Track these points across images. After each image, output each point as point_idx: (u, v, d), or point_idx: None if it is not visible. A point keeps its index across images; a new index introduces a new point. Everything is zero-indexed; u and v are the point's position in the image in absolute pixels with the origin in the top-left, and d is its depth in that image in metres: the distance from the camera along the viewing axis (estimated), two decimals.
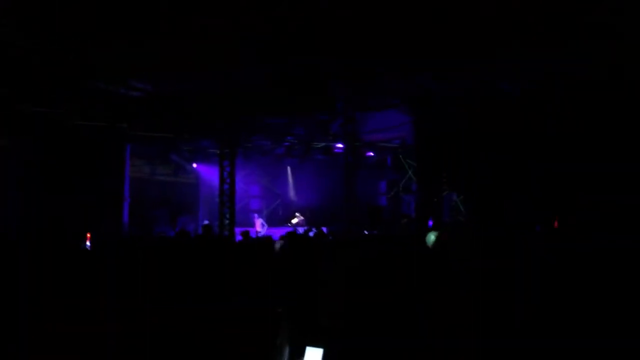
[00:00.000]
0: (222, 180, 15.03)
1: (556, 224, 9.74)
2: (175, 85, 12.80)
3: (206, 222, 18.59)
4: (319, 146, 17.30)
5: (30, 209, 12.76)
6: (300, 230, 16.68)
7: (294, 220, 19.41)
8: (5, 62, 10.53)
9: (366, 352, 3.26)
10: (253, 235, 14.47)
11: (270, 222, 20.83)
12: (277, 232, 17.17)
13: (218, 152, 15.69)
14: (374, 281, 4.14)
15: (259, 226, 18.26)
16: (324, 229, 16.51)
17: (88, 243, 9.08)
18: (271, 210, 21.63)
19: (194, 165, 19.39)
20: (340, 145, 16.56)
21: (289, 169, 20.50)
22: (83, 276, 4.11)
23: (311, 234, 16.93)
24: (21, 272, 4.17)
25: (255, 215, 19.59)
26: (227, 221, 15.18)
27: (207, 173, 19.72)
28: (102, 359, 3.25)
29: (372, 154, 18.20)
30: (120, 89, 12.63)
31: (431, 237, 5.70)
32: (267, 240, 8.56)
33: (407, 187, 18.31)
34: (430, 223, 12.69)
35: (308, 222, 18.44)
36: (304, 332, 3.30)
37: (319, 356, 3.18)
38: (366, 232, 14.08)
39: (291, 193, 21.00)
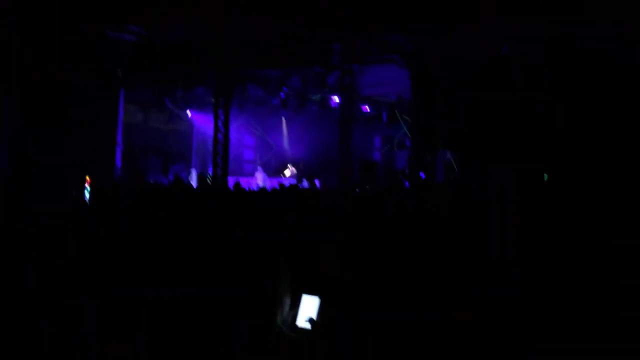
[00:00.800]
0: (216, 129, 14.93)
1: None
2: (171, 31, 12.57)
3: (193, 171, 18.55)
4: (315, 98, 17.16)
5: (22, 154, 12.68)
6: (293, 182, 16.71)
7: (287, 172, 19.41)
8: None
9: (362, 300, 3.32)
10: (245, 186, 14.46)
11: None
12: (270, 184, 17.22)
13: (213, 100, 15.55)
14: (369, 234, 4.18)
15: (260, 180, 18.14)
16: (317, 182, 16.56)
17: (88, 187, 8.99)
18: (264, 161, 21.60)
19: (188, 112, 19.22)
20: (336, 99, 16.42)
21: (283, 120, 20.38)
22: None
23: (304, 185, 17.01)
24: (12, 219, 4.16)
25: (259, 167, 19.40)
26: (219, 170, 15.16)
27: (201, 121, 19.58)
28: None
29: (367, 108, 18.07)
30: (114, 33, 12.40)
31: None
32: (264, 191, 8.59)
33: (401, 143, 18.29)
34: (422, 175, 12.76)
35: (301, 174, 18.46)
36: (301, 281, 3.37)
37: (315, 304, 3.28)
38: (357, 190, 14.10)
39: (285, 144, 20.94)
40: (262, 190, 8.69)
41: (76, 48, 12.45)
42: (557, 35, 9.95)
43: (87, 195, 8.64)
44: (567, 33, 9.83)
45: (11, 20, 10.72)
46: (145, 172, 16.08)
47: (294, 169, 19.40)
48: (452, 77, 12.22)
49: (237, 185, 12.41)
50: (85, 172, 9.63)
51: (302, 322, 3.34)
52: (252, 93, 17.10)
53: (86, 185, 8.97)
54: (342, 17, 10.91)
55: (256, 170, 19.09)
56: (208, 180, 13.95)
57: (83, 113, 13.59)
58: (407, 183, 14.37)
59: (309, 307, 3.37)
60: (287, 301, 3.38)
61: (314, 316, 3.33)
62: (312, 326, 3.30)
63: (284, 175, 19.12)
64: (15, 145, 12.59)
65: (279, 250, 3.64)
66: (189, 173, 19.06)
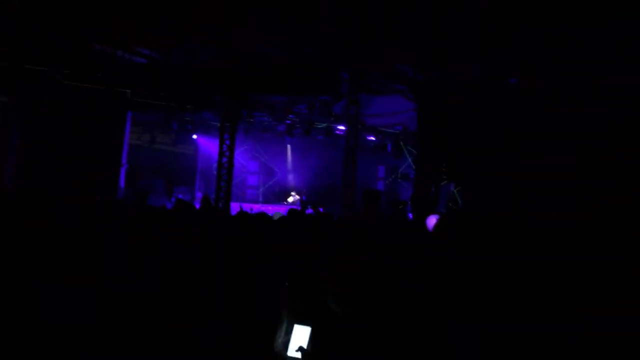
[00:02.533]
0: (221, 153, 14.97)
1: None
2: (181, 55, 12.70)
3: (199, 194, 18.60)
4: (321, 126, 17.25)
5: (28, 169, 12.73)
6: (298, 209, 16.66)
7: (290, 199, 19.43)
8: (11, 19, 10.43)
9: (355, 332, 3.28)
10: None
11: (266, 199, 20.86)
12: (273, 210, 17.21)
13: (219, 125, 15.63)
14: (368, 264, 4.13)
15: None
16: (321, 209, 16.52)
17: None
18: (267, 187, 21.64)
19: (194, 136, 19.33)
20: (341, 127, 16.50)
21: (288, 147, 20.46)
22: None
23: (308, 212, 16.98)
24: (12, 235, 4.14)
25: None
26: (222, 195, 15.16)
27: (207, 145, 19.67)
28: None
29: (373, 138, 18.16)
30: (125, 54, 12.54)
31: (432, 220, 5.90)
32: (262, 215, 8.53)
33: (405, 173, 18.32)
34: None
35: (304, 201, 18.47)
36: (298, 309, 3.35)
37: (306, 334, 3.28)
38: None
39: (289, 172, 20.99)
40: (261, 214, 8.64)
41: (86, 67, 12.59)
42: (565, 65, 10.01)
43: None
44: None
45: (20, 37, 10.87)
46: (147, 193, 16.08)
47: (297, 196, 19.41)
48: (459, 110, 12.27)
49: (241, 210, 12.38)
50: (86, 191, 9.68)
51: (293, 351, 3.33)
52: (258, 119, 17.21)
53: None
54: (351, 46, 11.02)
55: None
56: (211, 203, 13.92)
57: (90, 132, 13.68)
58: (410, 214, 14.33)
59: (300, 337, 3.37)
60: (284, 327, 3.36)
61: (305, 345, 3.32)
62: (302, 355, 3.29)
63: (287, 202, 19.14)
64: (21, 160, 12.64)
65: (282, 275, 3.62)
66: (193, 195, 19.09)
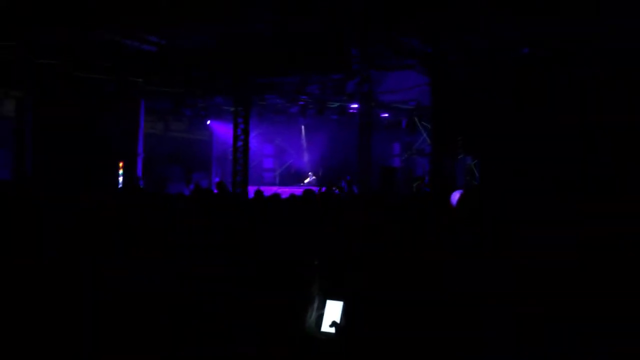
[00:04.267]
0: (235, 137, 14.99)
1: None
2: (189, 40, 12.68)
3: (217, 179, 18.69)
4: (334, 106, 17.16)
5: (44, 161, 12.88)
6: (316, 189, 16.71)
7: (307, 180, 19.45)
8: (21, 13, 10.47)
9: (385, 305, 3.29)
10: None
11: (282, 181, 20.90)
12: (290, 192, 17.23)
13: (232, 109, 15.61)
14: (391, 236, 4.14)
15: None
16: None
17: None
18: (284, 169, 21.66)
19: (208, 122, 19.34)
20: (355, 106, 16.41)
21: (302, 128, 20.42)
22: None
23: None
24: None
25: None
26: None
27: (221, 130, 19.69)
28: None
29: (386, 115, 18.03)
30: (135, 43, 12.54)
31: (456, 195, 5.87)
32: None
33: (421, 149, 18.21)
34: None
35: (320, 182, 18.48)
36: (329, 285, 3.39)
37: (339, 309, 3.31)
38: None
39: (304, 153, 20.98)
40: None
41: (98, 58, 12.63)
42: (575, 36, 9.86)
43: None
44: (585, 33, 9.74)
45: (34, 31, 10.91)
46: (165, 181, 16.18)
47: (314, 176, 19.43)
48: (472, 82, 12.13)
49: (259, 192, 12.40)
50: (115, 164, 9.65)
51: (326, 327, 3.37)
52: (270, 101, 17.16)
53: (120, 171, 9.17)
54: (359, 22, 10.92)
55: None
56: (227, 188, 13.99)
57: (104, 122, 13.76)
58: (427, 189, 14.27)
59: (333, 312, 3.40)
60: (315, 303, 3.40)
61: (338, 320, 3.35)
62: (335, 329, 3.32)
63: (304, 183, 19.17)
64: (38, 154, 12.79)
65: (309, 253, 3.65)
66: (210, 181, 19.19)
